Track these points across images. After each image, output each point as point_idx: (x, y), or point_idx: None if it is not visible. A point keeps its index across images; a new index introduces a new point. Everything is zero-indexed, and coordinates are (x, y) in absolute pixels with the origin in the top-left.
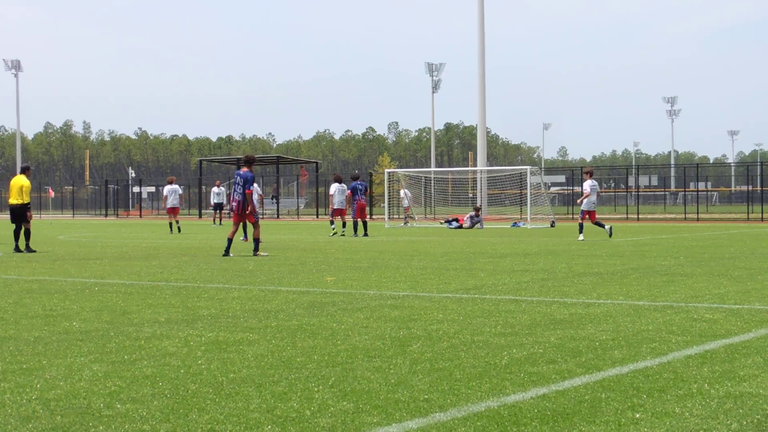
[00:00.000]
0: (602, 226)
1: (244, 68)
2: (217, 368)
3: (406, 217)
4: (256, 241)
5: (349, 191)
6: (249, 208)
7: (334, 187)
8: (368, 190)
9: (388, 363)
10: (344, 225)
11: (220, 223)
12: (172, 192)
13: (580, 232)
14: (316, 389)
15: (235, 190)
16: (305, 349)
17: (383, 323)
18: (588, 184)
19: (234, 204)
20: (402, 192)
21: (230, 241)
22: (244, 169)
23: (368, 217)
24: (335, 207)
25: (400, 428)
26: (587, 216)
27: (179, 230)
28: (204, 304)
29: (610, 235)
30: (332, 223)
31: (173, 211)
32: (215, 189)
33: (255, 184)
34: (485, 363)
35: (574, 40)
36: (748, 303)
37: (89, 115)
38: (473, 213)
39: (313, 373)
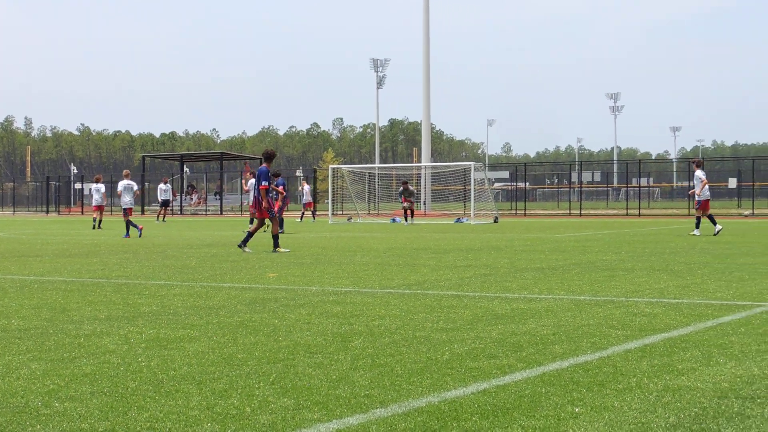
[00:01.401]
0: (716, 221)
1: (187, 64)
2: (157, 365)
3: (302, 213)
4: (275, 237)
5: (281, 187)
6: (264, 204)
7: (252, 183)
8: (285, 187)
9: (329, 359)
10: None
11: (164, 220)
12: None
13: (696, 226)
14: (256, 386)
15: (255, 187)
16: (246, 345)
17: (325, 319)
18: (701, 173)
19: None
20: (305, 188)
21: (250, 234)
22: (263, 165)
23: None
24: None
25: (340, 424)
26: (701, 208)
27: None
28: (145, 301)
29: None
30: (253, 220)
31: (100, 209)
32: (162, 186)
33: (277, 179)
34: (426, 358)
35: (518, 36)
36: (688, 297)
37: (31, 111)
38: (402, 188)
39: (254, 369)
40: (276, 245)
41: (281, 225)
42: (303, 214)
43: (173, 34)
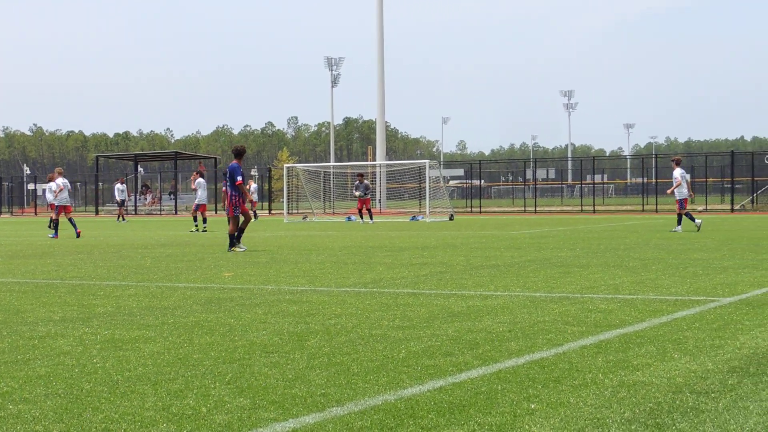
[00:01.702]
0: (692, 219)
1: (140, 62)
2: (112, 366)
3: (118, 216)
4: (231, 236)
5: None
6: (247, 199)
7: (199, 182)
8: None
9: (285, 358)
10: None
11: (124, 219)
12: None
13: (678, 223)
14: (212, 386)
15: (229, 185)
16: (202, 345)
17: (281, 318)
18: (678, 173)
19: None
20: (252, 186)
21: (232, 236)
22: (234, 162)
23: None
24: (200, 203)
25: (296, 423)
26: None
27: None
28: (100, 301)
29: (695, 223)
30: (196, 219)
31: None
32: (119, 185)
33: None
34: (383, 357)
35: (473, 34)
36: (642, 293)
37: None
38: (357, 182)
39: (210, 369)
40: (232, 244)
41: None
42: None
43: (126, 31)
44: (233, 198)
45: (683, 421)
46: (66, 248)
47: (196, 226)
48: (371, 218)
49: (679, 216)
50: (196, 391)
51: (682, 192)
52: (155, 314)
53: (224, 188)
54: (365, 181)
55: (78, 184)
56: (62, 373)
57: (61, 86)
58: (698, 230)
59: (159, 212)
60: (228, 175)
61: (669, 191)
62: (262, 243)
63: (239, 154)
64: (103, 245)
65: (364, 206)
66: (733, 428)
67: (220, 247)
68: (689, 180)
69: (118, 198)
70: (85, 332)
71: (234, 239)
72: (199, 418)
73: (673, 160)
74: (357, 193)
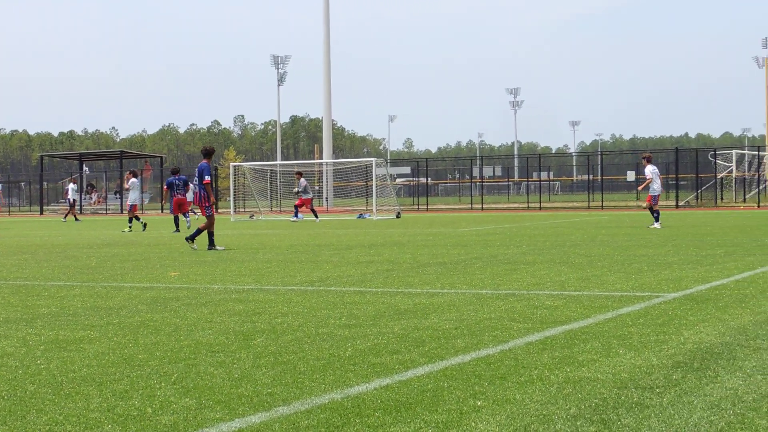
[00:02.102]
0: (657, 219)
1: (85, 60)
2: (56, 368)
3: (66, 215)
4: (198, 231)
5: (165, 187)
6: (211, 200)
7: (132, 182)
8: (187, 184)
9: (231, 357)
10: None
11: (77, 219)
12: None
13: (657, 220)
14: (158, 386)
15: (198, 183)
16: (147, 345)
17: (227, 318)
18: (649, 170)
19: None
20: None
21: (210, 234)
22: (204, 161)
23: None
24: (132, 203)
25: (243, 423)
26: (652, 200)
27: None
28: (44, 302)
29: (653, 226)
30: (131, 220)
31: None
32: (72, 185)
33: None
34: (329, 355)
35: (419, 32)
36: (588, 290)
37: None
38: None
39: (156, 370)
40: (211, 242)
41: (178, 224)
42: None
43: (70, 28)
44: (203, 197)
45: (628, 416)
46: (10, 248)
47: (130, 227)
48: (316, 216)
49: (654, 211)
50: (142, 391)
51: (654, 188)
52: (100, 314)
53: (195, 188)
54: (302, 180)
55: (22, 183)
56: (5, 374)
57: (4, 84)
58: (648, 228)
59: (105, 212)
60: (197, 175)
61: (640, 188)
62: (207, 243)
63: (209, 153)
64: (48, 245)
65: (305, 205)
66: (677, 423)
67: (166, 246)
68: (660, 176)
69: (70, 197)
70: (28, 333)
71: (212, 237)
72: (145, 419)
73: (643, 157)
74: (296, 190)
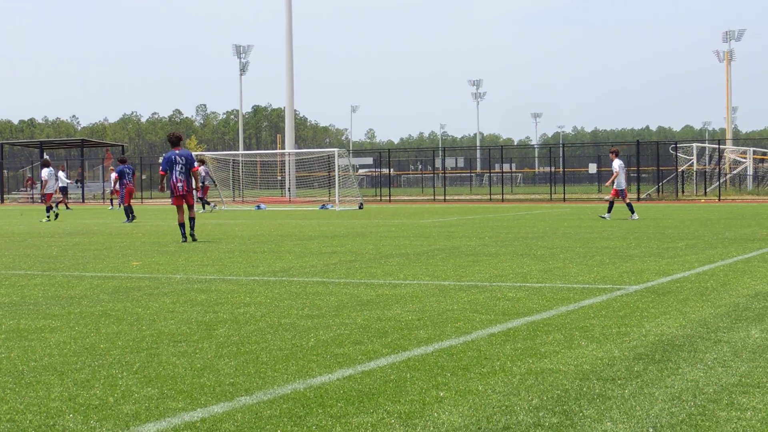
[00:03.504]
0: (609, 210)
1: (45, 46)
2: (17, 357)
3: (111, 200)
4: (192, 220)
5: (116, 175)
6: (196, 186)
7: (46, 172)
8: (135, 174)
9: (193, 347)
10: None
11: (67, 207)
12: None
13: (632, 212)
14: (119, 376)
15: (178, 171)
16: (109, 335)
17: (189, 307)
18: (617, 164)
19: (180, 184)
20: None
21: (183, 225)
22: (177, 149)
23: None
24: (47, 192)
25: (205, 413)
26: (619, 195)
27: None
28: (4, 291)
29: (603, 216)
30: (49, 209)
31: None
32: (61, 173)
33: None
34: (292, 345)
35: (382, 22)
36: (550, 281)
37: None
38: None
39: (117, 359)
40: (193, 227)
41: (129, 215)
42: (112, 200)
43: (29, 13)
44: (190, 185)
45: (590, 407)
46: None
47: (48, 216)
48: (209, 206)
49: (629, 205)
50: (103, 380)
51: (620, 182)
52: (61, 304)
53: (176, 175)
54: (202, 167)
55: None
56: None
57: None
58: (599, 217)
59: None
60: (185, 163)
61: (608, 183)
62: (170, 232)
63: (179, 140)
64: (7, 234)
65: (204, 193)
66: (639, 414)
67: (128, 236)
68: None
69: (59, 185)
70: None
71: (184, 228)
72: (106, 408)
73: (612, 152)
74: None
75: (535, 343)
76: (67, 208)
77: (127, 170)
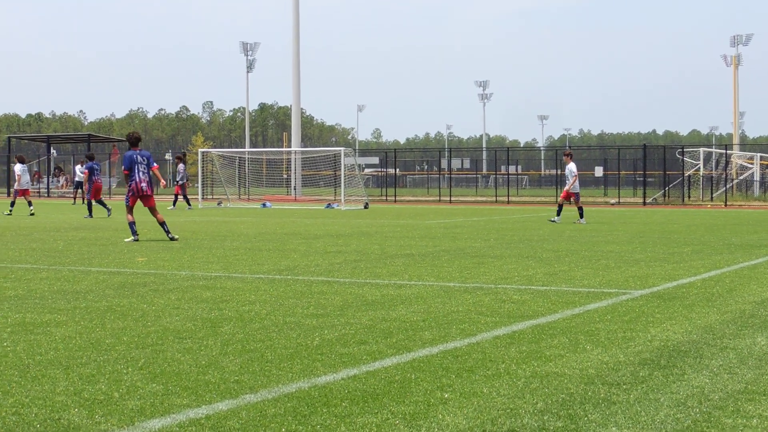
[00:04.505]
0: (559, 213)
1: (53, 41)
2: (23, 350)
3: (74, 198)
4: (164, 224)
5: (86, 171)
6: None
7: (19, 168)
8: (100, 171)
9: (198, 344)
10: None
11: (83, 201)
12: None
13: (581, 216)
14: (125, 371)
15: (141, 171)
16: (114, 330)
17: (195, 304)
18: (575, 167)
19: (144, 185)
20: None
21: (134, 223)
22: (136, 149)
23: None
24: (22, 188)
25: (209, 410)
26: (572, 198)
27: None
28: (11, 284)
29: (552, 220)
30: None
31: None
32: (78, 167)
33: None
34: (297, 344)
35: (389, 21)
36: (555, 285)
37: None
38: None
39: (123, 354)
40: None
41: (91, 211)
42: (74, 198)
43: (38, 8)
44: (152, 185)
45: (595, 412)
46: None
47: (11, 211)
48: (189, 204)
49: (580, 210)
50: (108, 376)
51: (576, 186)
52: (67, 298)
53: (140, 176)
54: (181, 165)
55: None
56: None
57: None
58: (549, 221)
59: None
60: (147, 163)
61: (570, 187)
62: (176, 229)
63: (138, 140)
64: (14, 227)
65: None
66: (644, 420)
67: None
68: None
69: (75, 180)
70: None
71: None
72: (111, 404)
73: (567, 154)
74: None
75: (540, 346)
76: (83, 201)
77: (96, 167)
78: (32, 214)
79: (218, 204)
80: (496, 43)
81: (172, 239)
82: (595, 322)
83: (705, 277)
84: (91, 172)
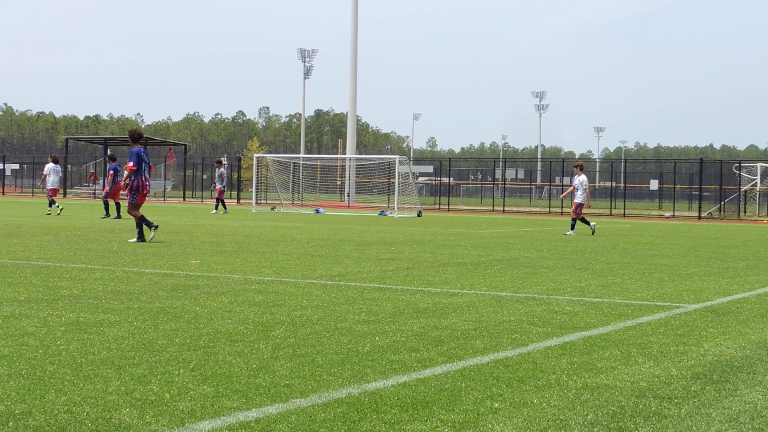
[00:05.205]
0: (574, 226)
1: (113, 45)
2: (76, 349)
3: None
4: (147, 222)
5: (111, 172)
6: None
7: (49, 168)
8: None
9: (250, 348)
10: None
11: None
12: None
13: (572, 228)
14: (176, 372)
15: (146, 170)
16: (167, 331)
17: (247, 308)
18: (585, 179)
19: (148, 184)
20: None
21: (149, 223)
22: (139, 146)
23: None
24: (50, 187)
25: (260, 413)
26: (575, 207)
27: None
28: (65, 284)
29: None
30: (52, 203)
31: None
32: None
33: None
34: (347, 350)
35: (447, 31)
36: (608, 297)
37: None
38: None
39: (174, 356)
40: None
41: (108, 211)
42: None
43: (101, 14)
44: (147, 184)
45: (646, 425)
46: (32, 229)
47: (50, 210)
48: (225, 208)
49: (574, 220)
50: (160, 377)
51: (584, 197)
52: (120, 299)
53: (145, 175)
54: (221, 169)
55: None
56: (26, 353)
57: (33, 66)
58: (564, 235)
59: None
60: (147, 161)
61: (583, 198)
62: (229, 232)
63: (141, 137)
64: (69, 228)
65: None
66: None
67: (187, 234)
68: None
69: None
70: (49, 314)
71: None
72: (162, 404)
73: (577, 166)
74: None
75: (592, 358)
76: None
77: (119, 168)
78: (48, 214)
79: (272, 209)
80: (553, 55)
81: (135, 240)
82: (647, 335)
83: (760, 292)
84: (116, 173)
